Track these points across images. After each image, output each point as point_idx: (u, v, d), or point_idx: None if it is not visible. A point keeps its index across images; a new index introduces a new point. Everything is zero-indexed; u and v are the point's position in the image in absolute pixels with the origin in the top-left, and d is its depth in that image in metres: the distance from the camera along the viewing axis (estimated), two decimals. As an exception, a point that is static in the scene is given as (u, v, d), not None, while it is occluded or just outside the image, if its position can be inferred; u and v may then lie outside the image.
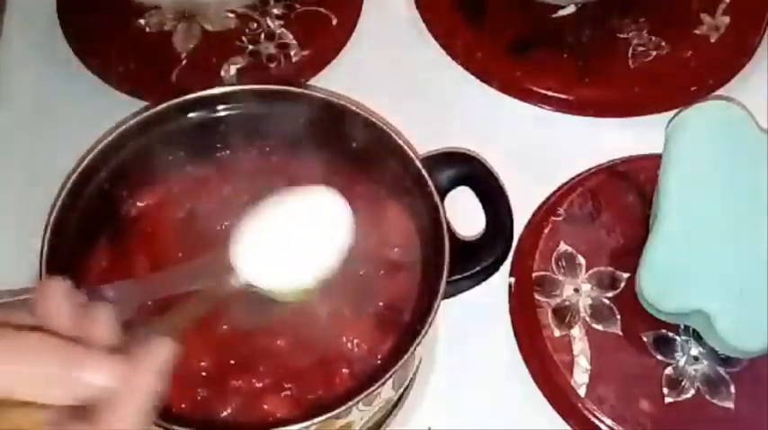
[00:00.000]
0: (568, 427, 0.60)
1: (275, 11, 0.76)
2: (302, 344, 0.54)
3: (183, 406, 0.53)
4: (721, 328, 0.57)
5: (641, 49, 0.75)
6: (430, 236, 0.56)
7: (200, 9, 0.74)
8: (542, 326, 0.62)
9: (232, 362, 0.54)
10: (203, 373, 0.54)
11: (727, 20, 0.76)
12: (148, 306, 0.54)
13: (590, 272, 0.64)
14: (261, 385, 0.53)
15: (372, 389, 0.51)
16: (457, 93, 0.75)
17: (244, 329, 0.55)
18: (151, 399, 0.38)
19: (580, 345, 0.61)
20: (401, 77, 0.75)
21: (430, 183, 0.57)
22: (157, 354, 0.39)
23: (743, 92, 0.73)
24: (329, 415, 0.50)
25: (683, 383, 0.60)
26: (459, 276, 0.57)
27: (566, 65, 0.75)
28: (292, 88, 0.61)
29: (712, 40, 0.76)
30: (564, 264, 0.65)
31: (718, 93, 0.74)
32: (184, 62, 0.73)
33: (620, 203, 0.67)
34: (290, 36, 0.75)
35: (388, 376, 0.52)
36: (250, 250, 0.51)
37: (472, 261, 0.58)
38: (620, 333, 0.62)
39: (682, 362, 0.61)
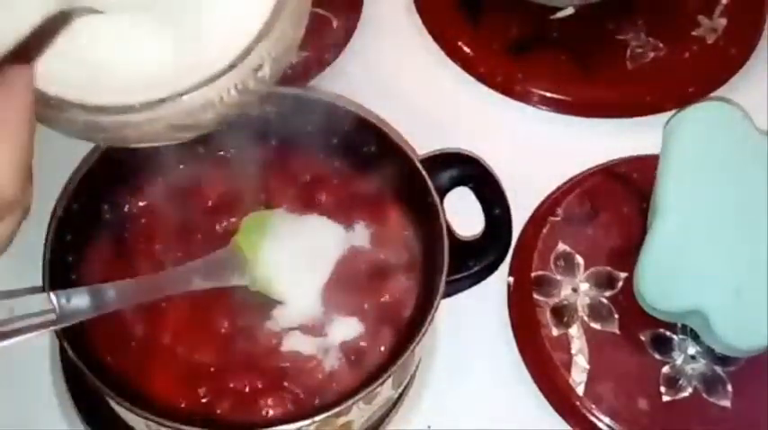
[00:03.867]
0: (567, 426, 0.61)
1: (275, 12, 0.77)
2: (302, 342, 0.55)
3: (183, 404, 0.53)
4: (718, 327, 0.57)
5: (639, 50, 0.75)
6: (429, 235, 0.57)
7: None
8: (541, 326, 0.63)
9: (232, 360, 0.54)
10: (203, 372, 0.54)
11: (724, 22, 0.77)
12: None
13: (588, 271, 0.65)
14: (261, 384, 0.53)
15: (372, 387, 0.51)
16: (456, 94, 0.75)
17: (244, 328, 0.55)
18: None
19: (578, 344, 0.62)
20: (401, 79, 0.75)
21: (429, 183, 0.57)
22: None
23: (740, 93, 0.73)
24: (329, 413, 0.51)
25: (680, 382, 0.61)
26: (458, 276, 0.57)
27: (564, 66, 0.75)
28: (293, 89, 0.61)
29: (709, 42, 0.76)
30: (562, 263, 0.65)
31: (715, 94, 0.74)
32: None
33: (618, 203, 0.67)
34: (291, 37, 0.76)
35: (387, 375, 0.52)
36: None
37: (471, 260, 0.58)
38: (618, 332, 0.62)
39: (679, 361, 0.61)
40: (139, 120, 0.39)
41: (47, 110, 0.40)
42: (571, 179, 0.69)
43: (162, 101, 0.39)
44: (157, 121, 0.39)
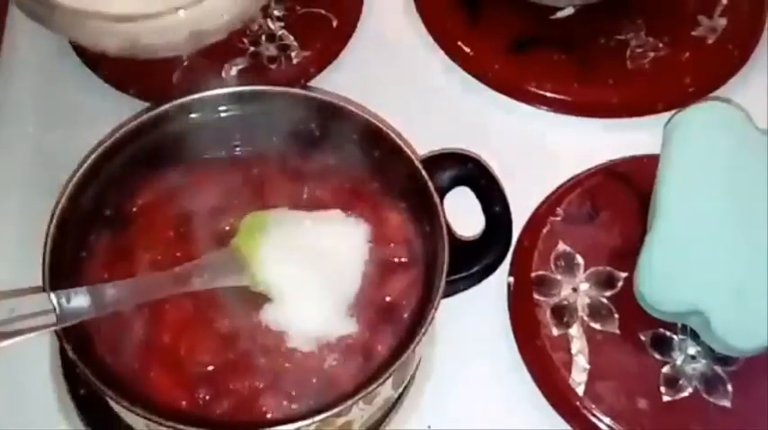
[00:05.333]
0: (567, 426, 0.61)
1: (276, 12, 0.77)
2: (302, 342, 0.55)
3: (183, 404, 0.53)
4: (718, 327, 0.57)
5: (639, 50, 0.75)
6: (429, 235, 0.57)
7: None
8: (541, 326, 0.63)
9: (232, 361, 0.54)
10: (203, 372, 0.54)
11: (724, 21, 0.77)
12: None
13: (588, 271, 0.65)
14: (261, 384, 0.53)
15: (372, 388, 0.51)
16: (456, 93, 0.75)
17: (244, 328, 0.55)
18: None
19: (578, 344, 0.62)
20: (401, 78, 0.75)
21: (429, 183, 0.57)
22: None
23: (740, 93, 0.73)
24: (329, 413, 0.51)
25: (680, 382, 0.60)
26: (458, 276, 0.57)
27: (564, 66, 0.75)
28: (293, 89, 0.61)
29: (709, 42, 0.76)
30: (562, 263, 0.65)
31: (715, 94, 0.74)
32: (186, 63, 0.73)
33: (618, 203, 0.67)
34: (291, 37, 0.76)
35: (387, 375, 0.52)
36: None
37: (471, 260, 0.58)
38: (618, 332, 0.62)
39: (679, 361, 0.61)
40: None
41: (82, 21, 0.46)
42: (571, 179, 0.69)
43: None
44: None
